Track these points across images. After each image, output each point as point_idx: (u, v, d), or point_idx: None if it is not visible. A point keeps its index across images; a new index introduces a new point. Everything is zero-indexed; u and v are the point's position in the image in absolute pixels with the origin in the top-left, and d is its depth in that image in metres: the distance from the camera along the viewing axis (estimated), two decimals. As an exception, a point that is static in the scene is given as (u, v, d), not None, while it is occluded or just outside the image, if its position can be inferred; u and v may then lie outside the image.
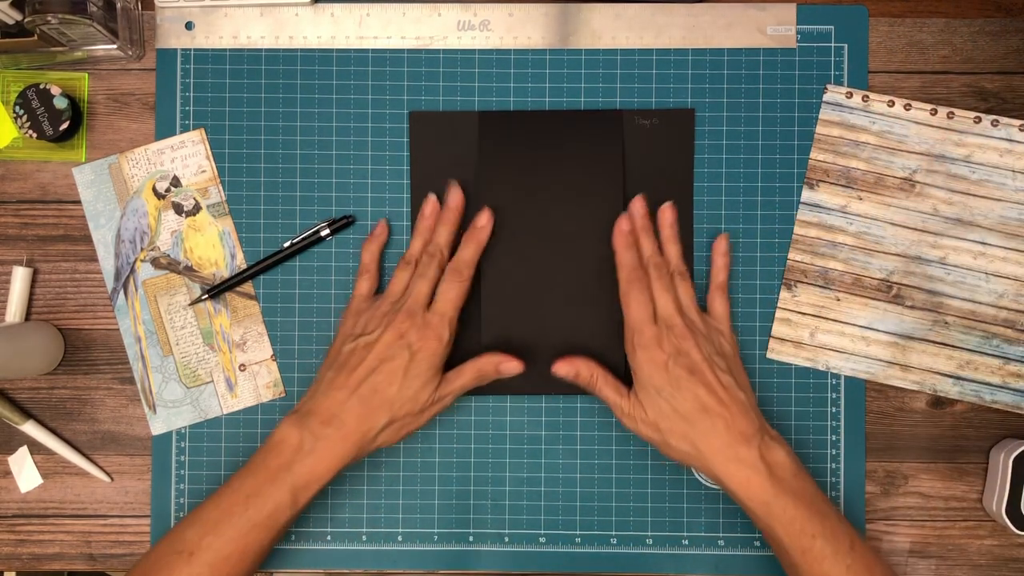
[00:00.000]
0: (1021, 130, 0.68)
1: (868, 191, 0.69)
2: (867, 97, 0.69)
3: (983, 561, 0.71)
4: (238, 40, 0.72)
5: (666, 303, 0.65)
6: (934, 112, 0.69)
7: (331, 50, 0.72)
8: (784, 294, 0.70)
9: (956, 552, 0.71)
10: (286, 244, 0.71)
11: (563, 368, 0.66)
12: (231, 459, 0.71)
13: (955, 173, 0.69)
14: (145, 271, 0.71)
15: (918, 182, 0.69)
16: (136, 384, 0.71)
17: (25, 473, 0.72)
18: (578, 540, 0.71)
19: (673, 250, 0.67)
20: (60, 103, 0.69)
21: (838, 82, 0.71)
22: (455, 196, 0.68)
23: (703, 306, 0.69)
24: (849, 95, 0.70)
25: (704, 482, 0.70)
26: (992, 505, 0.69)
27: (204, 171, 0.71)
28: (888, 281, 0.69)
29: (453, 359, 0.67)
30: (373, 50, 0.72)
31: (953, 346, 0.69)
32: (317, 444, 0.62)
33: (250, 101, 0.72)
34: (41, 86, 0.70)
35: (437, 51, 0.72)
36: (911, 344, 0.70)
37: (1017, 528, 0.68)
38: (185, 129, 0.72)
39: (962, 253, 0.69)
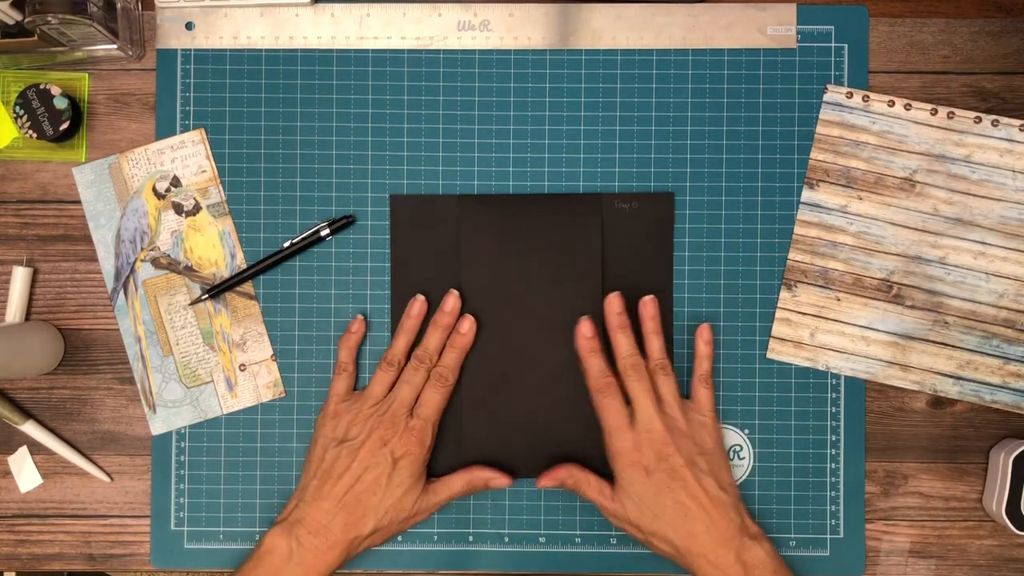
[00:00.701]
0: (1021, 130, 0.68)
1: (868, 191, 0.69)
2: (867, 97, 0.69)
3: (983, 561, 0.71)
4: (238, 40, 0.72)
5: (645, 405, 0.65)
6: (934, 112, 0.69)
7: (331, 50, 0.72)
8: (784, 294, 0.70)
9: (956, 552, 0.71)
10: (286, 244, 0.71)
11: (546, 482, 0.68)
12: (231, 459, 0.71)
13: (955, 173, 0.69)
14: (145, 271, 0.71)
15: (918, 182, 0.69)
16: (136, 384, 0.71)
17: (25, 473, 0.72)
18: (578, 540, 0.71)
19: (656, 344, 0.67)
20: (60, 103, 0.69)
21: (838, 82, 0.71)
22: (452, 301, 0.68)
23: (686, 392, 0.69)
24: (849, 95, 0.69)
25: None
26: (992, 505, 0.69)
27: (204, 171, 0.71)
28: (888, 281, 0.69)
29: (433, 458, 0.69)
30: (373, 50, 0.72)
31: (953, 346, 0.69)
32: (305, 554, 0.63)
33: (250, 101, 0.72)
34: (41, 86, 0.70)
35: (437, 51, 0.72)
36: (911, 344, 0.69)
37: (1017, 528, 0.68)
38: (185, 129, 0.72)
39: (962, 253, 0.69)
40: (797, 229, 0.70)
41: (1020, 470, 0.68)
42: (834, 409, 0.71)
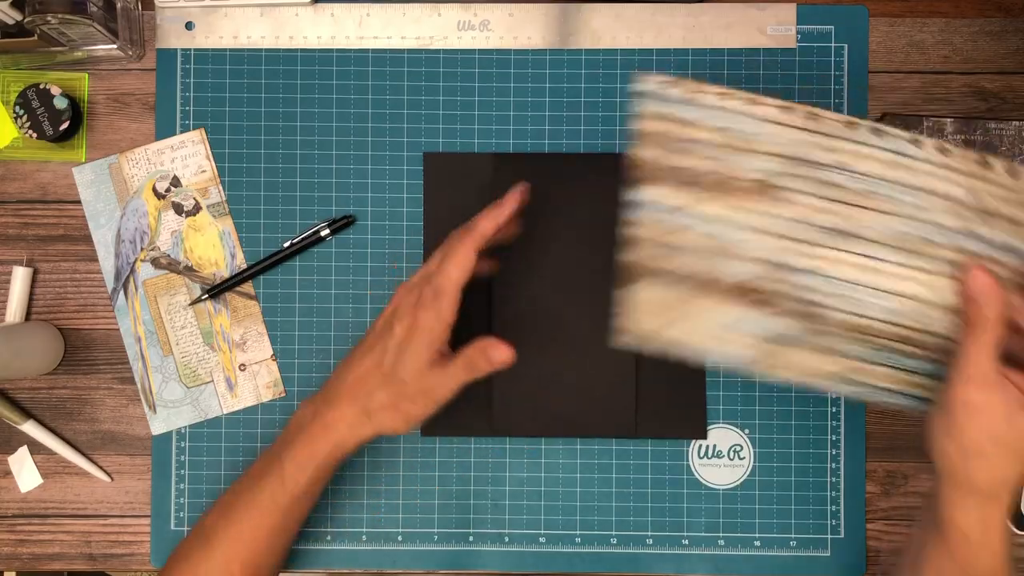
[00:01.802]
0: (913, 144, 0.59)
1: (711, 191, 0.60)
2: (699, 90, 0.60)
3: (983, 561, 0.71)
4: (238, 40, 0.72)
5: None
6: (787, 110, 0.59)
7: (331, 50, 0.72)
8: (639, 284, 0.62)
9: (956, 552, 0.71)
10: (286, 244, 0.71)
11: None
12: (231, 459, 0.71)
13: (827, 180, 0.59)
14: (145, 271, 0.71)
15: (778, 186, 0.60)
16: (136, 384, 0.71)
17: (25, 473, 0.72)
18: (578, 540, 0.71)
19: None
20: (60, 103, 0.69)
21: (838, 83, 0.71)
22: (513, 197, 0.63)
23: None
24: (675, 84, 0.59)
25: None
26: (992, 505, 0.69)
27: (204, 171, 0.71)
28: (749, 284, 0.60)
29: (463, 421, 0.69)
30: (373, 50, 0.72)
31: (838, 354, 0.61)
32: (314, 423, 0.62)
33: (250, 101, 0.72)
34: (41, 86, 0.70)
35: (437, 51, 0.72)
36: (784, 348, 0.61)
37: (1017, 528, 0.68)
38: (185, 129, 0.72)
39: (841, 265, 0.60)
40: (630, 228, 0.61)
41: (1020, 470, 0.68)
42: (834, 409, 0.71)
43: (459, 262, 0.60)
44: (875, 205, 0.60)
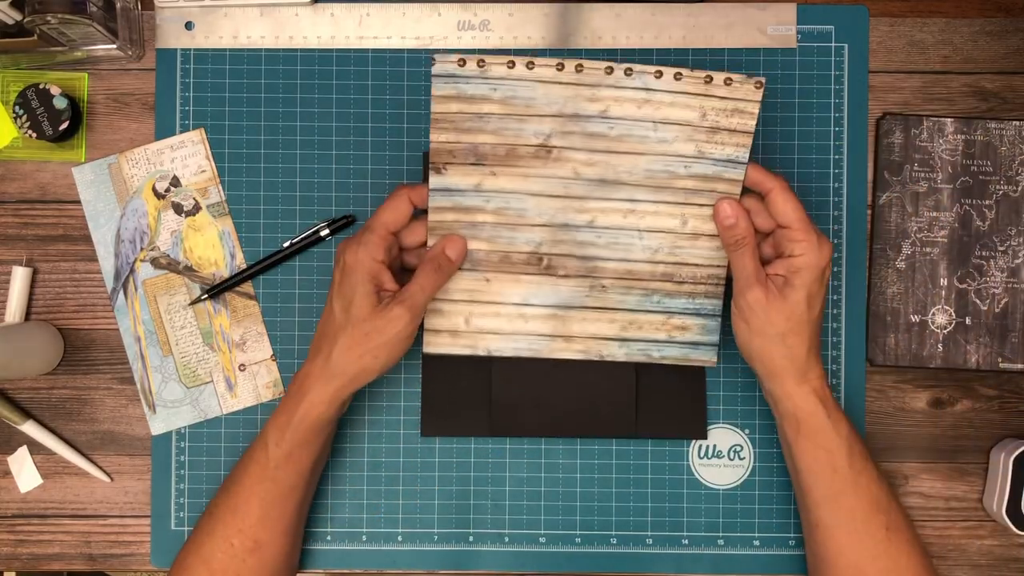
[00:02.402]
0: (657, 77, 0.61)
1: (501, 164, 0.63)
2: (483, 62, 0.61)
3: (983, 561, 0.71)
4: (238, 40, 0.72)
5: None
6: (560, 67, 0.61)
7: (331, 50, 0.72)
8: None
9: (956, 552, 0.71)
10: (286, 244, 0.71)
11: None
12: (231, 459, 0.71)
13: (593, 131, 0.62)
14: (145, 271, 0.71)
15: (554, 146, 0.63)
16: (136, 384, 0.71)
17: (25, 473, 0.72)
18: (578, 540, 0.71)
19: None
20: (60, 103, 0.69)
21: (838, 83, 0.71)
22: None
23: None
24: (462, 63, 0.61)
25: None
26: (992, 505, 0.69)
27: (204, 171, 0.71)
28: (537, 253, 0.65)
29: (464, 420, 0.70)
30: (373, 50, 0.72)
31: (614, 308, 0.66)
32: (291, 387, 0.64)
33: (250, 101, 0.72)
34: (41, 86, 0.70)
35: (437, 51, 0.72)
36: (571, 313, 0.66)
37: (1017, 528, 0.68)
38: (185, 129, 0.72)
39: (610, 214, 0.64)
40: (431, 216, 0.64)
41: (1020, 470, 0.68)
42: (834, 409, 0.71)
43: (391, 206, 0.63)
44: (629, 148, 0.63)
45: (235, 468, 0.65)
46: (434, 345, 0.67)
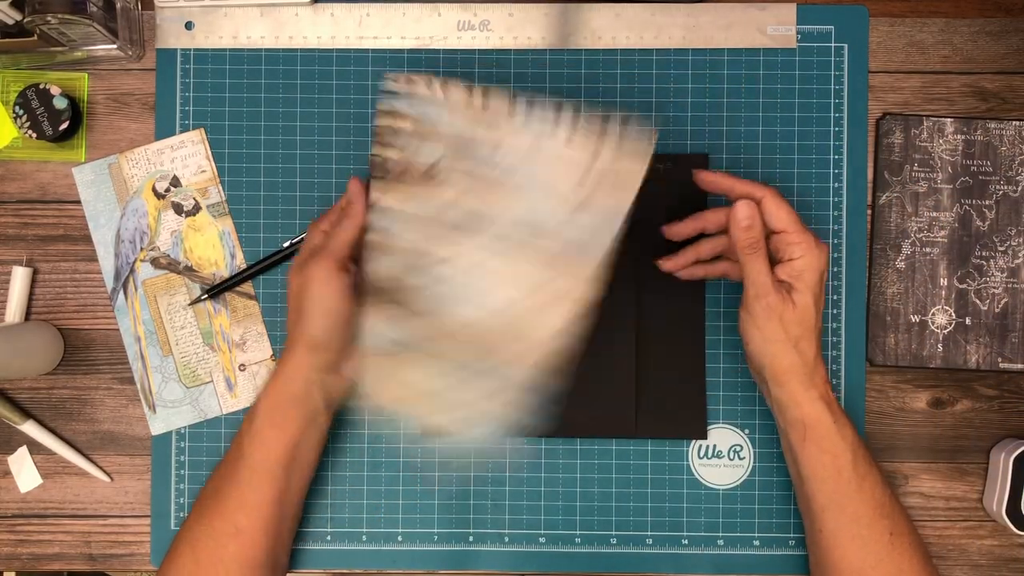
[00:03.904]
0: (551, 133, 0.58)
1: (396, 181, 0.60)
2: (412, 82, 0.60)
3: (983, 561, 0.71)
4: (238, 40, 0.72)
5: None
6: (469, 92, 0.58)
7: (331, 50, 0.72)
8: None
9: (956, 552, 0.71)
10: (286, 244, 0.71)
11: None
12: (231, 459, 0.71)
13: (481, 162, 0.59)
14: (145, 271, 0.71)
15: (441, 170, 0.59)
16: (136, 384, 0.71)
17: (25, 473, 0.72)
18: (578, 540, 0.71)
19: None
20: (60, 103, 0.69)
21: (838, 83, 0.71)
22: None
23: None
24: (409, 80, 0.60)
25: None
26: (992, 505, 0.69)
27: (204, 171, 0.71)
28: (397, 279, 0.60)
29: None
30: (373, 50, 0.72)
31: (445, 360, 0.60)
32: (287, 356, 0.64)
33: (250, 101, 0.72)
34: (41, 86, 0.70)
35: (437, 51, 0.72)
36: (404, 354, 0.60)
37: (1017, 528, 0.68)
38: (185, 129, 0.72)
39: (474, 252, 0.59)
40: (371, 236, 0.61)
41: (1020, 470, 0.68)
42: (834, 409, 0.71)
43: (352, 227, 0.62)
44: (507, 189, 0.59)
45: (217, 472, 0.65)
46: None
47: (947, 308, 0.71)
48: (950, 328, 0.71)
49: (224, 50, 0.72)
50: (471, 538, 0.71)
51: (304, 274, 0.62)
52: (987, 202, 0.71)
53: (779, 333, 0.61)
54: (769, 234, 0.62)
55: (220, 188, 0.71)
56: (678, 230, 0.66)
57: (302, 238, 0.70)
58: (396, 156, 0.60)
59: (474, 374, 0.59)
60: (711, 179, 0.63)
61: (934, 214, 0.71)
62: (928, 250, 0.71)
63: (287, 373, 0.63)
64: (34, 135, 0.69)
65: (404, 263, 0.60)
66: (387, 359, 0.60)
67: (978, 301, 0.71)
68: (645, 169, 0.58)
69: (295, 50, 0.72)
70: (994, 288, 0.71)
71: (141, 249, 0.71)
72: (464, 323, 0.59)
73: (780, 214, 0.61)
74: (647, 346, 0.70)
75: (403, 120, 0.60)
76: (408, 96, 0.60)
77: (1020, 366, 0.71)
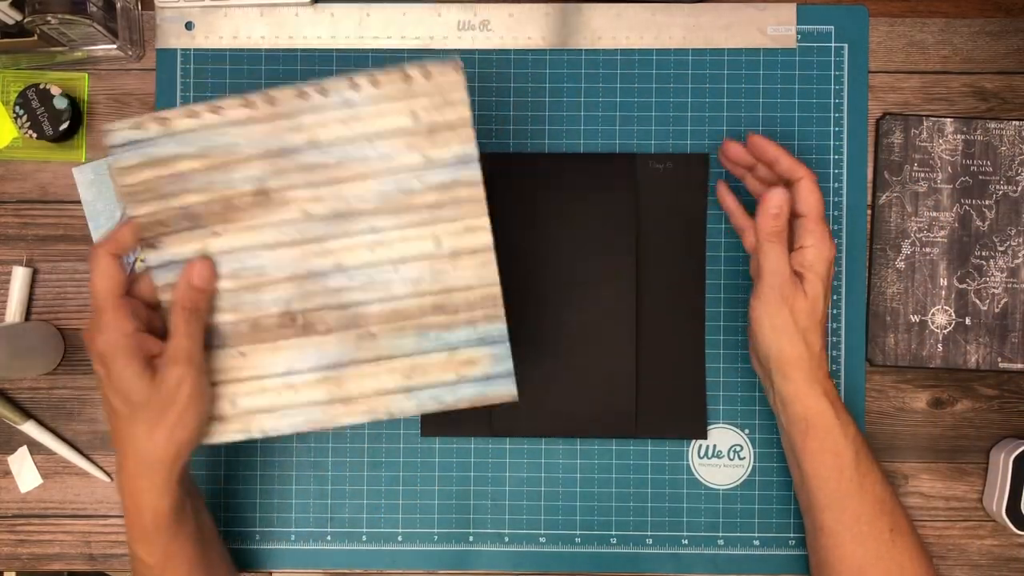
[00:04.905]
0: (354, 89, 0.55)
1: (221, 222, 0.56)
2: (164, 120, 0.55)
3: (983, 561, 0.71)
4: (238, 40, 0.72)
5: None
6: (250, 104, 0.55)
7: (331, 50, 0.72)
8: None
9: (956, 552, 0.71)
10: (286, 244, 0.71)
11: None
12: (230, 459, 0.71)
13: (308, 163, 0.56)
14: (145, 271, 0.71)
15: (272, 189, 0.56)
16: (136, 384, 0.71)
17: (25, 473, 0.72)
18: (578, 540, 0.71)
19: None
20: (60, 103, 0.69)
21: (838, 83, 0.71)
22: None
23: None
24: (138, 125, 0.56)
25: None
26: (992, 505, 0.69)
27: (204, 171, 0.71)
28: (289, 312, 0.57)
29: (464, 424, 0.69)
30: (373, 50, 0.72)
31: (390, 356, 0.58)
32: (124, 501, 0.59)
33: (250, 101, 0.72)
34: (41, 86, 0.70)
35: (437, 51, 0.72)
36: (344, 372, 0.58)
37: (1017, 528, 0.68)
38: (185, 129, 0.71)
39: (356, 250, 0.57)
40: (161, 296, 0.57)
41: (1020, 470, 0.68)
42: (834, 409, 0.71)
43: (99, 272, 0.55)
44: (353, 172, 0.56)
45: None
46: (207, 435, 0.59)
47: (947, 308, 0.71)
48: (950, 328, 0.71)
49: (224, 50, 0.72)
50: (471, 538, 0.71)
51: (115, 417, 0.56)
52: (987, 202, 0.71)
53: (789, 323, 0.61)
54: (791, 218, 0.62)
55: (220, 188, 0.71)
56: (736, 152, 0.65)
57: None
58: (197, 199, 0.56)
59: (422, 355, 0.58)
60: (760, 143, 0.63)
61: (934, 214, 0.71)
62: (928, 250, 0.71)
63: (151, 492, 0.57)
64: (34, 135, 0.69)
65: (287, 294, 0.57)
66: (325, 384, 0.58)
67: (978, 301, 0.71)
68: (462, 79, 0.55)
69: (295, 50, 0.72)
70: (994, 288, 0.71)
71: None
72: (385, 318, 0.58)
73: (811, 200, 0.61)
74: (647, 346, 0.70)
75: (175, 163, 0.56)
76: (161, 137, 0.55)
77: (1020, 366, 0.71)
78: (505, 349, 0.58)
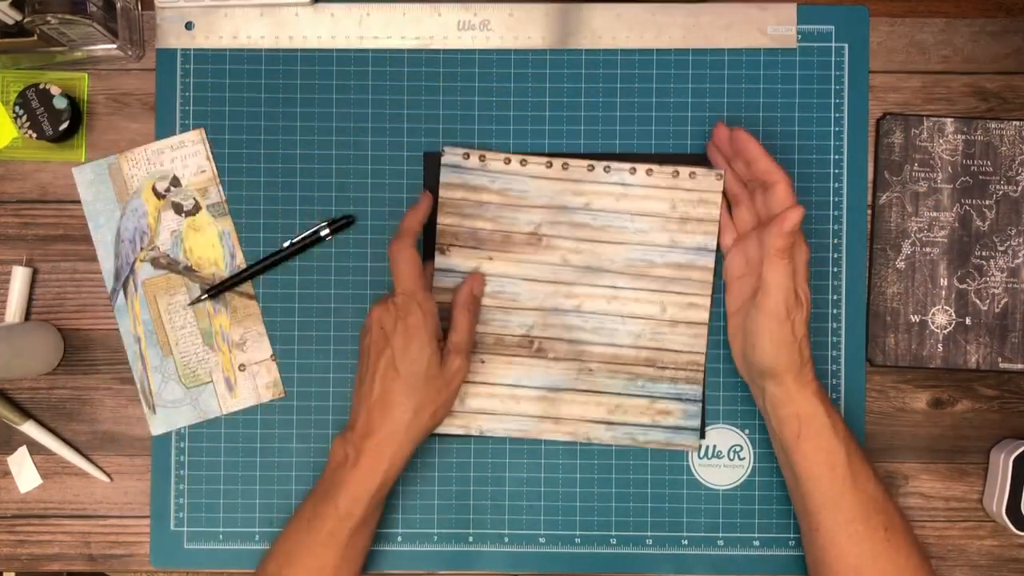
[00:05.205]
0: (631, 173, 0.68)
1: (497, 250, 0.69)
2: (484, 157, 0.68)
3: (983, 561, 0.71)
4: (238, 40, 0.72)
5: None
6: (549, 165, 0.68)
7: (331, 50, 0.72)
8: None
9: (956, 552, 0.71)
10: (286, 244, 0.71)
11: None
12: (231, 459, 0.71)
13: (578, 222, 0.68)
14: (145, 271, 0.71)
15: (544, 235, 0.68)
16: (136, 384, 0.71)
17: (25, 473, 0.72)
18: (578, 540, 0.71)
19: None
20: (60, 103, 0.69)
21: (838, 83, 0.71)
22: (427, 197, 0.69)
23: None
24: (466, 156, 0.68)
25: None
26: (992, 505, 0.69)
27: (204, 171, 0.71)
28: (529, 336, 0.69)
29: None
30: (373, 50, 0.72)
31: (601, 392, 0.69)
32: (360, 458, 0.63)
33: (250, 101, 0.72)
34: (41, 86, 0.69)
35: (437, 51, 0.72)
36: (560, 396, 0.69)
37: (1017, 528, 0.68)
38: (185, 129, 0.72)
39: (596, 299, 0.69)
40: (437, 297, 0.67)
41: (1020, 470, 0.68)
42: (834, 409, 0.71)
43: (407, 262, 0.64)
44: (611, 237, 0.69)
45: (297, 535, 0.64)
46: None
47: (947, 308, 0.71)
48: (950, 328, 0.71)
49: (224, 50, 0.72)
50: (471, 538, 0.71)
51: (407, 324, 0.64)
52: (987, 202, 0.71)
53: (789, 335, 0.62)
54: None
55: (220, 188, 0.71)
56: (722, 140, 0.67)
57: (303, 238, 0.70)
58: (487, 225, 0.68)
59: (628, 397, 0.69)
60: (743, 139, 0.64)
61: (934, 214, 0.71)
62: (928, 250, 0.71)
63: (401, 455, 0.64)
64: (34, 135, 0.69)
65: (531, 320, 0.69)
66: (542, 402, 0.69)
67: (978, 301, 0.71)
68: (721, 187, 0.68)
69: (295, 50, 0.72)
70: (994, 288, 0.71)
71: (141, 249, 0.71)
72: (605, 359, 0.69)
73: (788, 205, 0.62)
74: None
75: (482, 193, 0.68)
76: (477, 170, 0.68)
77: (1020, 366, 0.71)
78: (697, 408, 0.70)
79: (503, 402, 0.69)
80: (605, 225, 0.68)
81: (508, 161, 0.68)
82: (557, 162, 0.68)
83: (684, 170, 0.68)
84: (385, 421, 0.63)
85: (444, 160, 0.68)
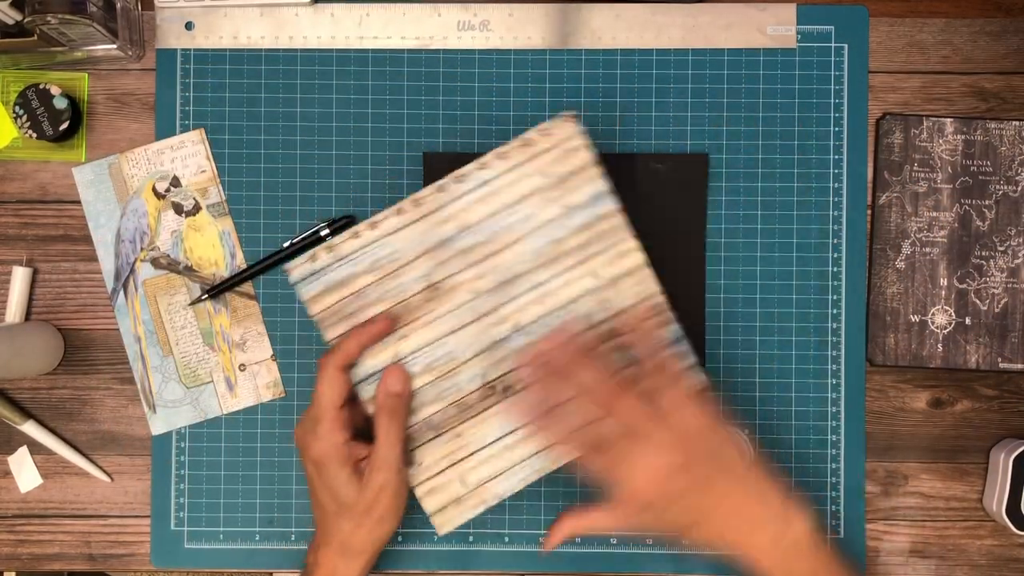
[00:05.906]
0: (483, 168, 0.62)
1: (403, 325, 0.63)
2: (332, 247, 0.62)
3: (983, 561, 0.71)
4: (238, 40, 0.72)
5: None
6: (400, 212, 0.62)
7: (331, 50, 0.72)
8: (410, 471, 0.64)
9: (956, 552, 0.71)
10: (286, 244, 0.71)
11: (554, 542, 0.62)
12: (231, 459, 0.71)
13: (464, 247, 0.62)
14: (145, 271, 0.71)
15: (438, 282, 0.62)
16: (136, 384, 0.71)
17: (25, 473, 0.72)
18: (578, 540, 0.71)
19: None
20: (60, 103, 0.69)
21: (838, 83, 0.71)
22: (383, 321, 0.63)
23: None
24: (313, 258, 0.62)
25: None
26: (992, 505, 0.69)
27: (204, 171, 0.71)
28: (487, 383, 0.63)
29: None
30: (373, 50, 0.72)
31: None
32: (315, 569, 0.63)
33: (250, 101, 0.72)
34: (41, 86, 0.70)
35: (437, 51, 0.72)
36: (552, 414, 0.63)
37: (1017, 528, 0.68)
38: (185, 129, 0.72)
39: (528, 308, 0.63)
40: (367, 407, 0.63)
41: (1020, 470, 0.68)
42: (834, 409, 0.71)
43: (327, 384, 0.61)
44: (505, 241, 0.63)
45: None
46: (447, 523, 0.64)
47: (947, 308, 0.71)
48: (950, 328, 0.71)
49: (224, 50, 0.72)
50: (471, 538, 0.71)
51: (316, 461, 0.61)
52: (987, 202, 0.71)
53: (762, 513, 0.59)
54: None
55: (220, 188, 0.71)
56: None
57: (303, 238, 0.70)
58: (379, 308, 0.62)
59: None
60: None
61: (934, 214, 0.71)
62: (928, 250, 0.71)
63: (348, 570, 0.63)
64: (34, 135, 0.69)
65: (480, 369, 0.63)
66: (536, 437, 0.64)
67: (978, 301, 0.71)
68: (578, 128, 0.62)
69: (295, 50, 0.72)
70: (994, 288, 0.71)
71: (141, 249, 0.71)
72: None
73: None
74: None
75: (353, 282, 0.62)
76: (334, 264, 0.62)
77: (1020, 366, 0.71)
78: (685, 346, 0.64)
79: (501, 459, 0.64)
80: (492, 234, 0.62)
81: (357, 235, 0.62)
82: (407, 203, 0.62)
83: (531, 132, 0.62)
84: (326, 535, 0.63)
85: (293, 278, 0.62)
